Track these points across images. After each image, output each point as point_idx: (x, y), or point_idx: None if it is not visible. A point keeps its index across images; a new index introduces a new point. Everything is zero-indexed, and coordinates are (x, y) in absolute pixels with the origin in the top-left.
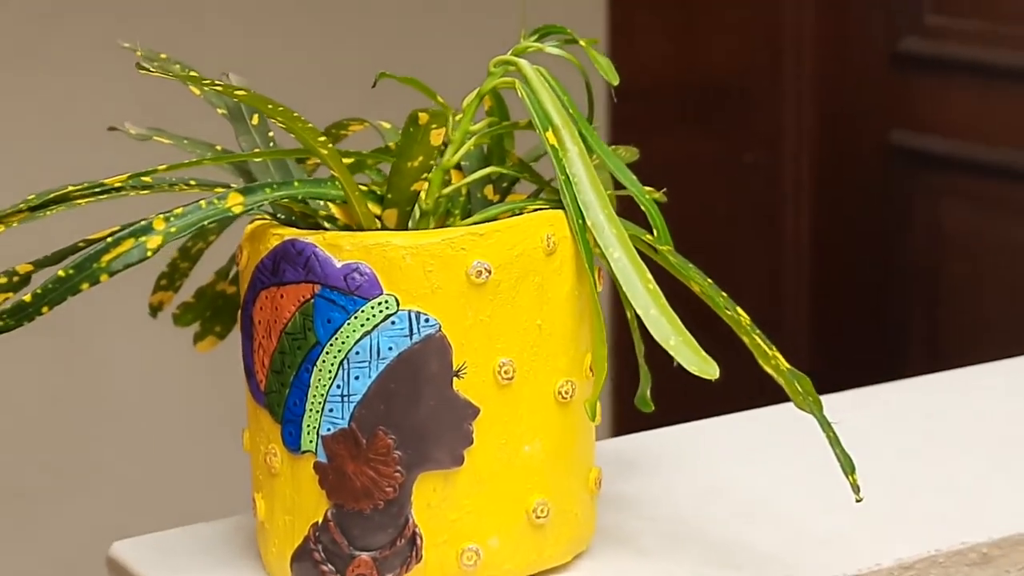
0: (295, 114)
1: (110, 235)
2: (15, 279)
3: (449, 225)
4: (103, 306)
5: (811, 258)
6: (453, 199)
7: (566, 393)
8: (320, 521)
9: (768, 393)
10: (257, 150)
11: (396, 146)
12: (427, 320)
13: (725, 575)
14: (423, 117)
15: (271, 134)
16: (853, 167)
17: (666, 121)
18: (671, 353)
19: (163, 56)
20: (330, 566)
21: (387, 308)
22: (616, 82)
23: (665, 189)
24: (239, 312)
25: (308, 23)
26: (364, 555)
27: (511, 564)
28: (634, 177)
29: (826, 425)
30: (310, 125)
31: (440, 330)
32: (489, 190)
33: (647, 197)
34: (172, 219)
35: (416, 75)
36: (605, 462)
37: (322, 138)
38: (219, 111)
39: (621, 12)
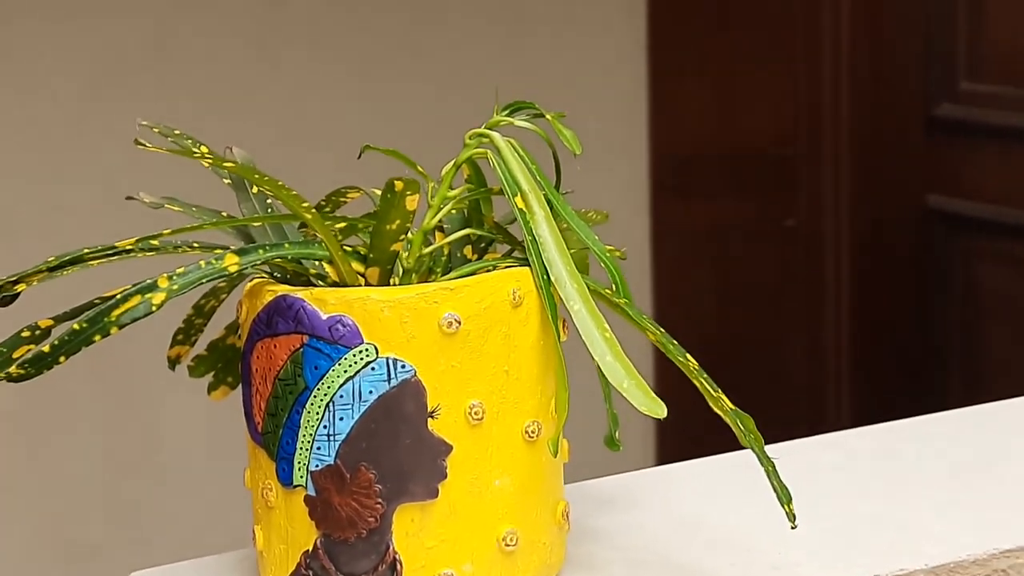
0: (280, 183)
1: (120, 292)
2: (37, 332)
3: (431, 282)
4: (146, 367)
5: (851, 319)
6: (435, 258)
7: (532, 432)
8: (310, 549)
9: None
10: (256, 215)
11: (376, 211)
12: (403, 366)
13: None
14: (399, 184)
15: (269, 201)
16: (891, 231)
17: (708, 187)
18: (624, 395)
19: (176, 132)
20: None
21: (367, 356)
22: (579, 151)
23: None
24: (240, 363)
25: (312, 103)
26: None
27: None
28: (596, 238)
29: (765, 460)
30: (294, 192)
31: (416, 375)
32: (468, 250)
33: (607, 255)
34: (175, 278)
35: (405, 147)
36: (583, 499)
37: (305, 203)
38: (225, 181)
39: (663, 83)
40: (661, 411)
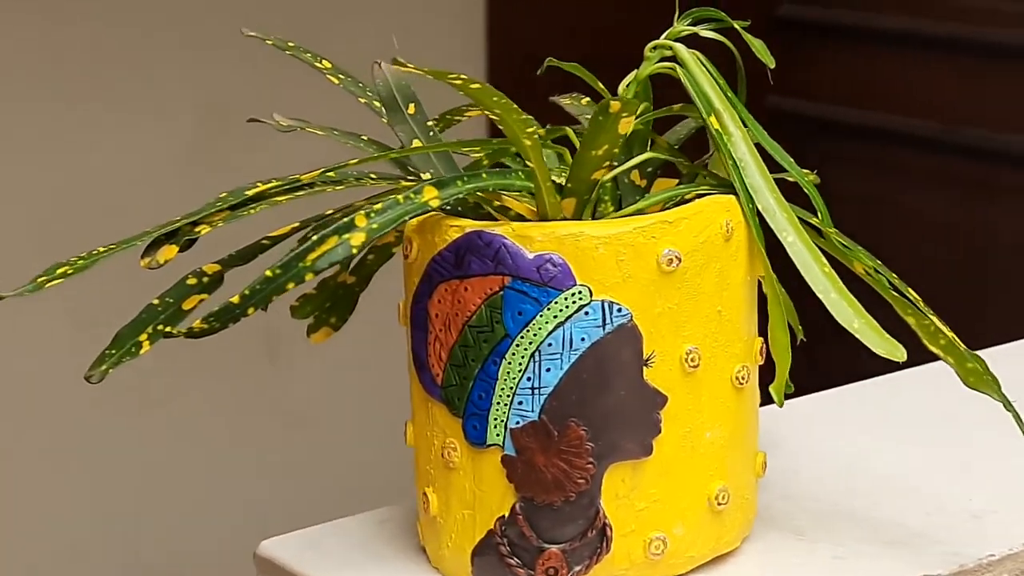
0: (513, 105)
1: (314, 233)
2: (205, 279)
3: (602, 213)
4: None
5: None
6: (603, 186)
7: (742, 379)
8: (507, 515)
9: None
10: (442, 142)
11: (583, 134)
12: (619, 310)
13: (889, 553)
14: (615, 105)
15: (430, 123)
16: None
17: (550, 91)
18: (856, 335)
19: (291, 44)
20: (516, 559)
21: (581, 299)
22: (772, 64)
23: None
24: (407, 306)
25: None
26: (553, 547)
27: (694, 551)
28: (792, 160)
29: (1009, 405)
30: (524, 116)
31: (632, 319)
32: (636, 175)
33: (807, 180)
34: (373, 215)
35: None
36: None
37: (530, 129)
38: (361, 100)
39: None
40: (901, 354)
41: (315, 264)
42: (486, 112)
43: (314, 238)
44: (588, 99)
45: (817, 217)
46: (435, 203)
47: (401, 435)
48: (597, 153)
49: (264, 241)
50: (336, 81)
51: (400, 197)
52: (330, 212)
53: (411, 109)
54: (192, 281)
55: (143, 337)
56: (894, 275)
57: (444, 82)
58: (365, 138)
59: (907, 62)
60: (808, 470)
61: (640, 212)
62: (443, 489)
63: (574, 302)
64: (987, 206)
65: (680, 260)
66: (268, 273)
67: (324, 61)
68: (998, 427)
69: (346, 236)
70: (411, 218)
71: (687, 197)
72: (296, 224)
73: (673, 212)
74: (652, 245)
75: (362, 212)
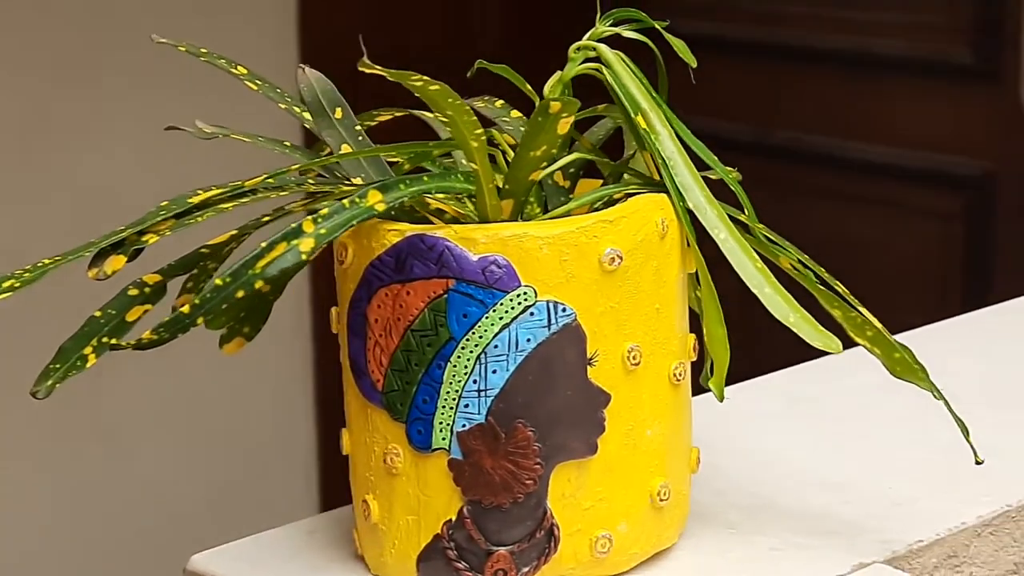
0: (466, 107)
1: (264, 240)
2: (147, 290)
3: (528, 214)
4: None
5: None
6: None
7: (679, 375)
8: (454, 518)
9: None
10: (376, 147)
11: (522, 136)
12: (564, 310)
13: (823, 543)
14: (555, 106)
15: (358, 127)
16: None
17: (367, 106)
18: (792, 329)
19: (204, 51)
20: (464, 563)
21: (526, 300)
22: (695, 64)
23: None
24: (344, 313)
25: None
26: (502, 549)
27: (636, 548)
28: (716, 158)
29: (938, 393)
30: (474, 118)
31: (576, 319)
32: (559, 176)
33: (731, 176)
34: (320, 220)
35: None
36: None
37: (477, 131)
38: (280, 106)
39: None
40: (837, 346)
41: (264, 271)
42: (437, 114)
43: (263, 245)
44: (502, 101)
45: (744, 213)
46: (380, 207)
47: (247, 445)
48: (536, 154)
49: (203, 250)
50: (254, 87)
51: (346, 202)
52: (266, 219)
53: (338, 113)
54: (134, 292)
55: (88, 350)
56: (821, 268)
57: (404, 84)
58: (288, 144)
59: (719, 67)
60: (734, 464)
61: (569, 213)
62: (385, 496)
63: (519, 303)
64: (795, 207)
65: (621, 259)
66: (218, 282)
67: (239, 67)
68: (915, 415)
69: (295, 242)
70: (358, 222)
71: (615, 197)
72: (234, 231)
73: (612, 211)
74: (594, 244)
75: (309, 218)
